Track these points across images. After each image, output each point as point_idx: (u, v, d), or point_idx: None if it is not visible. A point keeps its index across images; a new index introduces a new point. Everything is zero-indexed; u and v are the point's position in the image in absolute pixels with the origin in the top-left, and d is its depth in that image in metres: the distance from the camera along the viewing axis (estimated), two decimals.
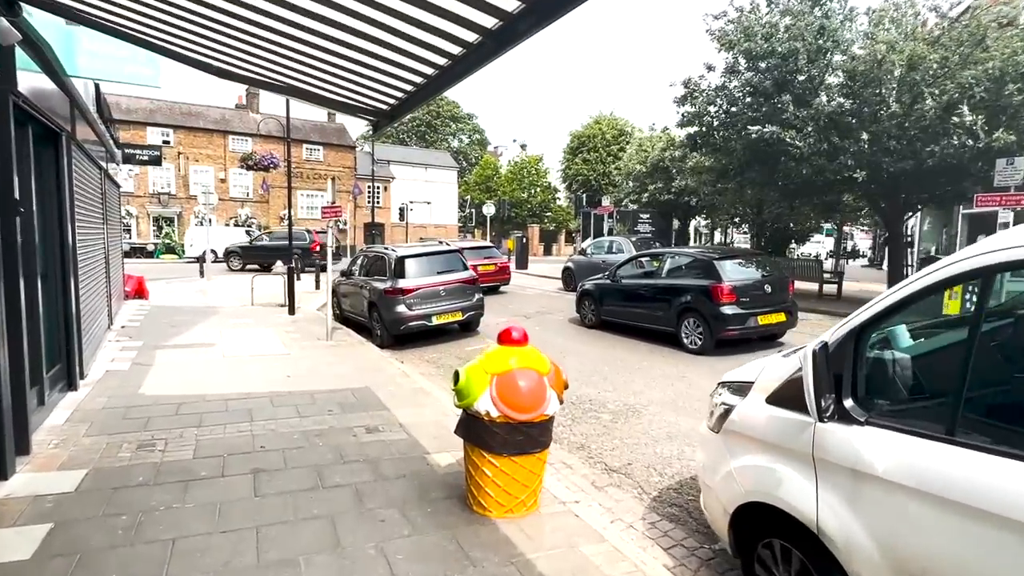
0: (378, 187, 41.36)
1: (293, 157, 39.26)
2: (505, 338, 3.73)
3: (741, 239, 34.67)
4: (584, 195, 30.19)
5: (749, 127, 10.92)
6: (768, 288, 8.76)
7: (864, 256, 39.74)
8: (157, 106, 35.50)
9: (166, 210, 33.90)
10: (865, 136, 9.75)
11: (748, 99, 11.80)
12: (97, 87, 7.81)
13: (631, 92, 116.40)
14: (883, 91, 9.90)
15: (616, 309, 10.34)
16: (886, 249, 32.76)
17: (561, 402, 3.73)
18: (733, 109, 12.56)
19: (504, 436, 3.50)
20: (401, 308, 9.33)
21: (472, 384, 3.54)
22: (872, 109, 10.14)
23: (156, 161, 13.60)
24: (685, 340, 8.84)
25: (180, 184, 34.35)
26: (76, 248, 6.05)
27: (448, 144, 63.55)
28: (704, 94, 13.02)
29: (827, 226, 27.49)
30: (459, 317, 9.80)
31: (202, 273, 19.59)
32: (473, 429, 3.59)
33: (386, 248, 10.34)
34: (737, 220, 22.99)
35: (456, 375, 3.65)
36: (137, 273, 15.80)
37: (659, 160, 20.46)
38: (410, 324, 9.35)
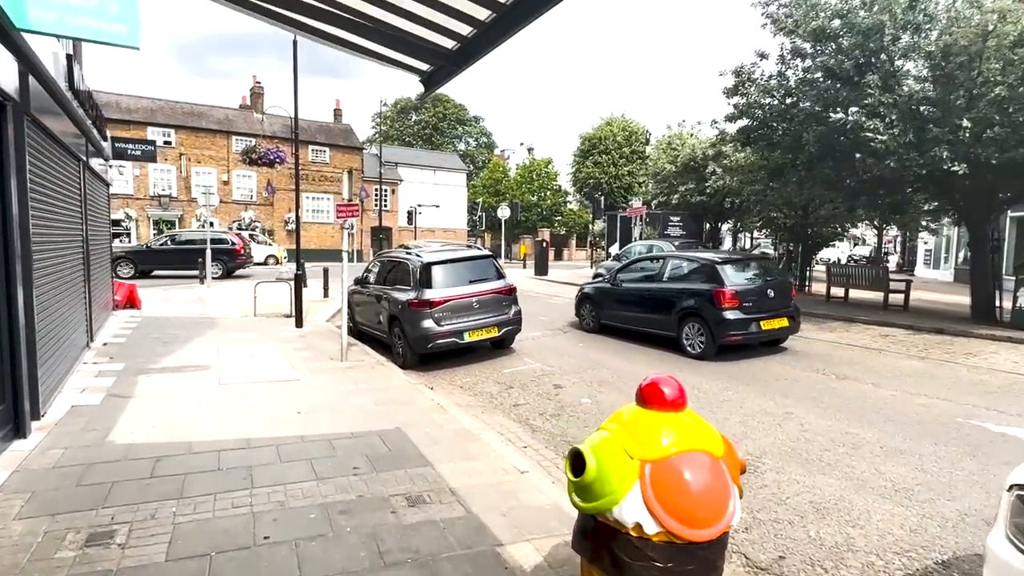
0: (385, 190, 40.07)
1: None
2: (654, 398, 2.36)
3: (764, 244, 33.23)
4: (602, 197, 28.77)
5: (828, 114, 9.54)
6: (771, 293, 8.66)
7: (888, 260, 38.17)
8: (158, 105, 34.34)
9: (167, 213, 32.67)
10: (966, 123, 8.37)
11: (825, 82, 10.37)
12: (70, 60, 6.52)
13: (639, 94, 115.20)
14: (984, 69, 8.52)
15: (616, 313, 10.15)
16: (906, 252, 31.17)
17: (741, 495, 2.36)
18: (789, 100, 11.20)
19: (664, 563, 2.13)
20: (428, 323, 7.98)
21: (610, 475, 2.17)
22: (969, 91, 8.77)
23: (150, 157, 12.33)
24: (686, 345, 8.68)
25: (181, 186, 33.13)
26: (29, 249, 4.71)
27: (454, 147, 62.38)
28: (758, 83, 11.65)
29: (857, 229, 25.95)
30: (494, 333, 8.43)
31: (202, 279, 18.28)
32: (609, 548, 2.22)
33: (408, 253, 8.99)
34: (763, 224, 21.54)
35: (577, 456, 2.29)
36: (129, 280, 14.52)
37: (690, 159, 19.11)
38: (438, 342, 7.99)
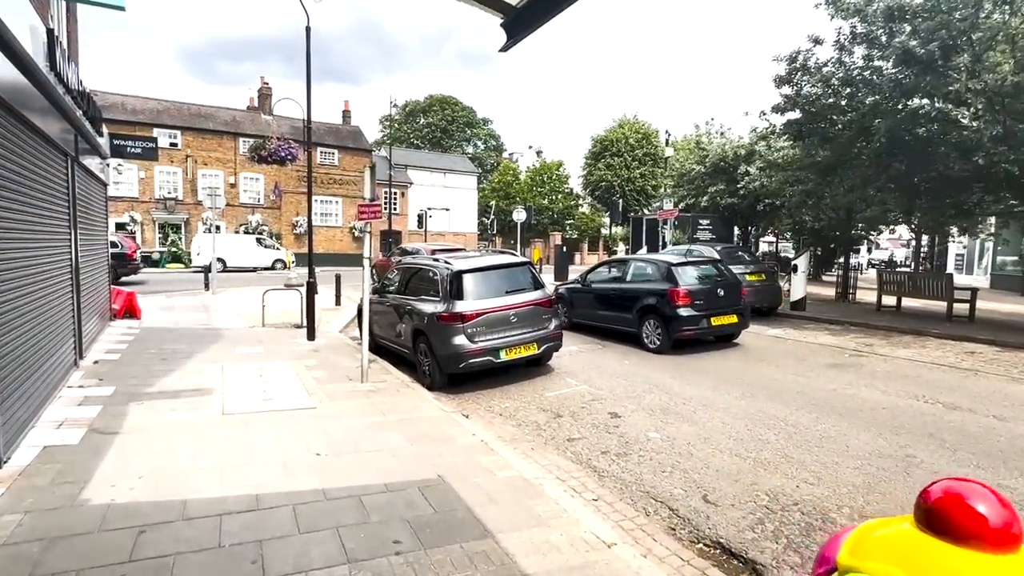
0: (395, 193, 39.21)
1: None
2: (966, 526, 1.35)
3: (783, 248, 32.10)
4: (620, 200, 27.74)
5: (900, 104, 8.51)
6: (721, 292, 9.41)
7: (907, 265, 36.87)
8: (164, 107, 33.63)
9: (172, 216, 31.90)
10: None
11: (897, 69, 9.28)
12: (52, 37, 5.63)
13: (649, 95, 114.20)
14: None
15: (586, 312, 10.87)
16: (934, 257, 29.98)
17: None
18: (848, 89, 10.17)
19: None
20: (460, 339, 7.00)
21: None
22: None
23: (151, 155, 11.46)
24: (645, 340, 9.39)
25: (188, 189, 32.38)
26: None
27: (463, 150, 61.58)
28: (812, 72, 10.63)
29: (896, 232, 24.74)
30: (533, 351, 7.45)
31: (207, 286, 17.41)
32: None
33: (435, 259, 8.05)
34: (793, 227, 20.44)
35: None
36: (134, 286, 13.65)
37: (720, 159, 18.08)
38: (471, 361, 7.01)
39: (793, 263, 12.43)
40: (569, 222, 52.31)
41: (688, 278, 9.32)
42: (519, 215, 26.55)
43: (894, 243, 51.66)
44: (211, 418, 5.42)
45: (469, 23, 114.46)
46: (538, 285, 7.86)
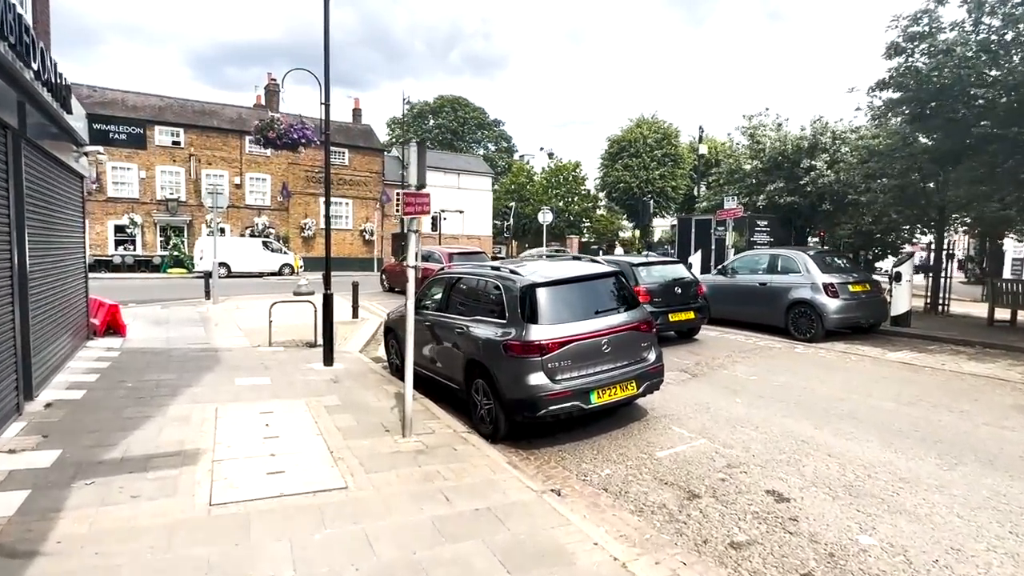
0: None
1: (317, 161, 35.50)
2: None
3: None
4: (651, 200, 25.80)
5: None
6: (679, 290, 9.82)
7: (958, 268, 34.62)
8: (167, 104, 31.97)
9: (175, 218, 30.17)
10: None
11: None
12: None
13: (662, 96, 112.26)
14: None
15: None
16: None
17: None
18: (984, 56, 8.23)
19: None
20: (538, 378, 5.12)
21: None
22: None
23: (138, 142, 9.68)
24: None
25: (191, 190, 30.66)
26: None
27: (474, 152, 59.83)
28: (935, 38, 8.70)
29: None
30: (632, 391, 5.55)
31: (208, 294, 15.62)
32: None
33: (496, 267, 6.17)
34: (853, 230, 18.39)
35: None
36: (135, 290, 11.86)
37: (779, 153, 16.13)
38: (553, 408, 5.12)
39: (895, 271, 10.48)
40: (586, 225, 50.38)
41: (648, 277, 9.68)
42: (545, 216, 24.70)
43: (915, 246, 49.37)
44: (191, 516, 3.55)
45: (476, 28, 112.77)
46: (632, 303, 5.97)
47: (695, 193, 36.83)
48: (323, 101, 7.97)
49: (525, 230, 45.81)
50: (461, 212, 41.04)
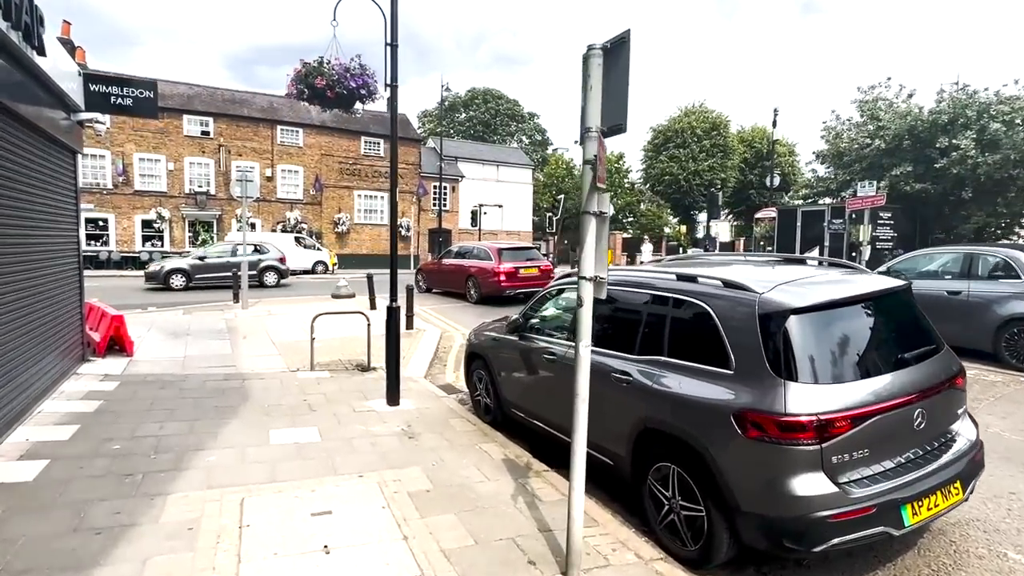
0: (445, 187, 35.31)
1: (352, 151, 33.60)
2: None
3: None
4: (719, 193, 23.14)
5: None
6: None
7: None
8: (196, 92, 30.41)
9: (204, 212, 28.58)
10: None
11: None
12: None
13: (695, 87, 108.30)
14: None
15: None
16: None
17: None
18: None
19: None
20: (813, 481, 2.76)
21: None
22: None
23: (147, 109, 7.63)
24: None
25: (220, 182, 29.02)
26: None
27: (507, 145, 57.50)
28: None
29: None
30: (957, 498, 3.13)
31: (236, 297, 13.65)
32: None
33: (691, 276, 3.76)
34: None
35: None
36: (159, 290, 9.89)
37: (908, 130, 13.41)
38: (843, 537, 2.76)
39: None
40: (629, 219, 47.64)
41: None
42: (606, 207, 22.25)
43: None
44: None
45: (503, 24, 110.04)
46: (931, 336, 3.53)
47: (756, 183, 33.61)
48: (389, 41, 5.69)
49: (566, 226, 43.38)
50: (500, 206, 38.83)
